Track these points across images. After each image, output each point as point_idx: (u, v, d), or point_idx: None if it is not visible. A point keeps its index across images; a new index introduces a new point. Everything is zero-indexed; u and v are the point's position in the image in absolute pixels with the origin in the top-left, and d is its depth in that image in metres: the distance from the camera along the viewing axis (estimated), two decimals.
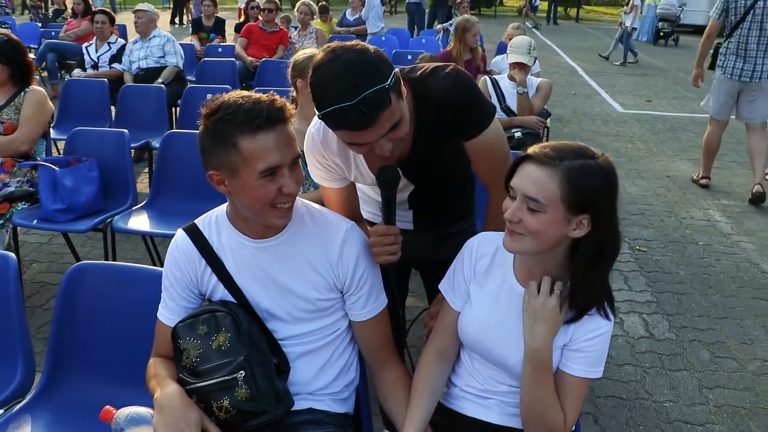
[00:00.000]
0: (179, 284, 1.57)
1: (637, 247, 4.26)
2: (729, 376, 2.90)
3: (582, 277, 1.38)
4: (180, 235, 1.57)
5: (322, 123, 1.64)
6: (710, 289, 3.71)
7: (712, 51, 5.22)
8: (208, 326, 1.48)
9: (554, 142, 1.38)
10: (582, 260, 1.37)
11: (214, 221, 1.56)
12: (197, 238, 1.55)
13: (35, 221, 3.15)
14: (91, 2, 8.58)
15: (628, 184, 5.56)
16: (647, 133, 7.39)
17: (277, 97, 1.38)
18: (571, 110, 8.51)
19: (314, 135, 1.68)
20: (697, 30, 19.13)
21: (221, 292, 1.55)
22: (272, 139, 1.34)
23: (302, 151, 2.24)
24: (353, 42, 1.40)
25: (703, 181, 5.54)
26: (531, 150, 1.36)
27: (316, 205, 1.62)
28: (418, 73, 1.63)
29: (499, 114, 4.21)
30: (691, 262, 4.06)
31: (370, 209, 1.96)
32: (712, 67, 5.23)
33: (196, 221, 1.58)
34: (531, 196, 1.31)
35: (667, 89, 10.30)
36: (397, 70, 1.44)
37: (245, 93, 1.38)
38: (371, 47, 1.40)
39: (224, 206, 1.57)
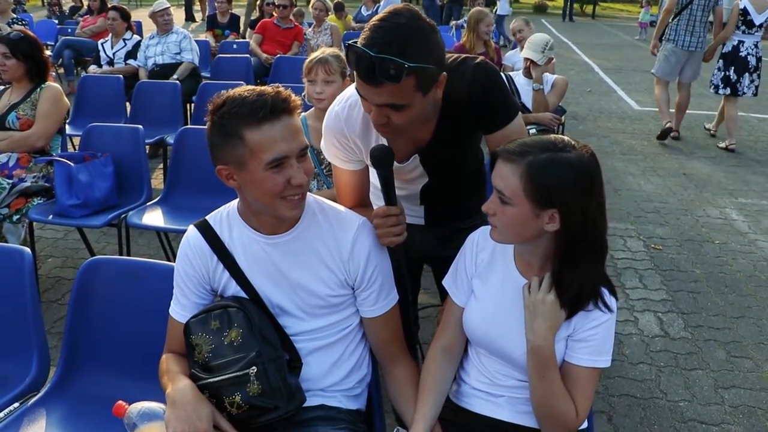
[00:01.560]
0: (191, 281, 1.57)
1: (653, 245, 4.22)
2: (745, 376, 2.86)
3: (558, 273, 1.38)
4: (191, 231, 1.57)
5: (348, 101, 1.66)
6: (726, 288, 3.67)
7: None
8: (220, 322, 1.49)
9: (528, 137, 1.39)
10: (556, 256, 1.38)
11: (225, 217, 1.56)
12: (209, 234, 1.55)
13: (51, 216, 3.17)
14: None
15: (643, 181, 5.51)
16: None
17: (282, 89, 1.38)
18: (586, 108, 8.45)
19: (339, 112, 1.68)
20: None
21: (233, 288, 1.55)
22: (278, 130, 1.34)
23: (312, 148, 2.23)
24: (428, 19, 1.42)
25: (674, 134, 6.87)
26: (500, 146, 1.39)
27: (329, 201, 1.61)
28: (448, 61, 1.62)
29: None
30: (707, 261, 4.01)
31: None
32: None
33: (207, 217, 1.59)
34: (499, 190, 1.36)
35: None
36: (443, 75, 1.45)
37: (251, 87, 1.39)
38: (438, 35, 1.42)
39: (235, 202, 1.57)
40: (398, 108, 1.42)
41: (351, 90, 1.67)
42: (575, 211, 1.31)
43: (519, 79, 4.27)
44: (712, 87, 6.53)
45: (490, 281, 1.54)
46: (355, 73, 1.41)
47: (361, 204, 1.81)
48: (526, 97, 4.19)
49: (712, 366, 2.93)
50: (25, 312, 1.92)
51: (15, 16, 8.24)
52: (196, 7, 19.32)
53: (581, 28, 20.18)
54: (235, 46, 7.33)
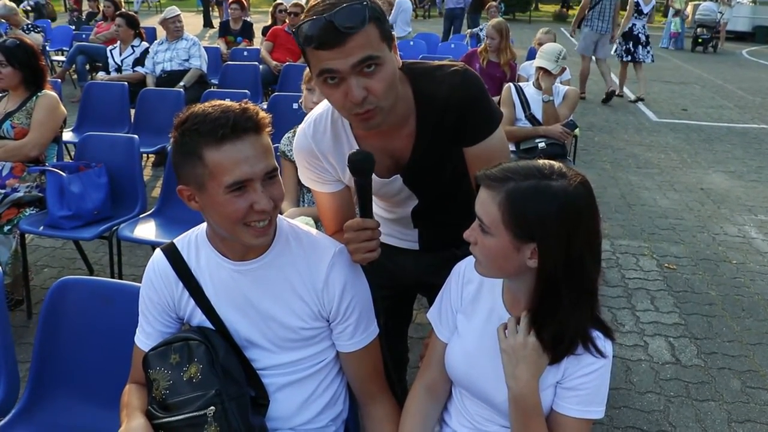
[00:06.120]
0: (156, 308, 1.47)
1: (666, 265, 4.05)
2: (762, 409, 2.69)
3: (536, 314, 1.25)
4: (157, 255, 1.48)
5: (313, 118, 1.55)
6: (743, 311, 3.50)
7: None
8: (180, 355, 1.38)
9: (514, 162, 1.25)
10: (535, 295, 1.24)
11: (194, 240, 1.46)
12: (175, 259, 1.45)
13: (41, 228, 3.09)
14: (123, 5, 8.64)
15: (659, 196, 5.34)
16: (682, 143, 7.14)
17: (250, 105, 1.26)
18: (603, 118, 8.27)
19: (305, 129, 1.56)
20: (739, 37, 18.62)
21: (199, 318, 1.44)
22: (240, 150, 1.22)
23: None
24: None
25: (583, 95, 8.97)
26: (482, 170, 1.26)
27: (304, 227, 1.50)
28: (422, 67, 1.48)
29: (523, 122, 4.06)
30: (723, 282, 3.84)
31: None
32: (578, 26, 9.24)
33: (175, 240, 1.48)
34: (479, 217, 1.24)
35: (704, 98, 9.98)
36: (394, 36, 1.33)
37: (219, 102, 1.28)
38: None
39: (205, 224, 1.46)
40: (374, 61, 1.26)
41: (314, 110, 1.57)
42: (557, 247, 1.17)
43: (529, 89, 4.15)
44: (617, 57, 9.22)
45: (474, 316, 1.41)
46: (315, 52, 1.26)
47: None
48: (536, 108, 4.06)
49: (725, 397, 2.77)
50: None
51: (29, 22, 8.27)
52: (215, 13, 19.38)
53: None
54: (246, 53, 7.27)
